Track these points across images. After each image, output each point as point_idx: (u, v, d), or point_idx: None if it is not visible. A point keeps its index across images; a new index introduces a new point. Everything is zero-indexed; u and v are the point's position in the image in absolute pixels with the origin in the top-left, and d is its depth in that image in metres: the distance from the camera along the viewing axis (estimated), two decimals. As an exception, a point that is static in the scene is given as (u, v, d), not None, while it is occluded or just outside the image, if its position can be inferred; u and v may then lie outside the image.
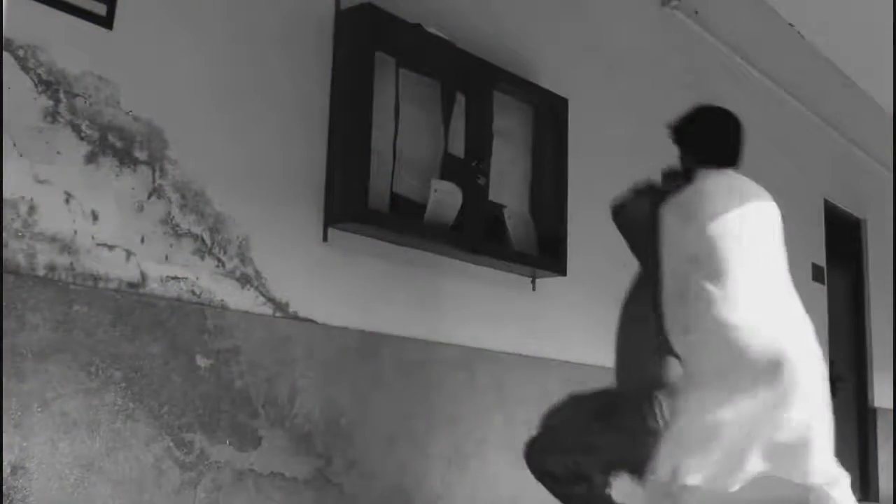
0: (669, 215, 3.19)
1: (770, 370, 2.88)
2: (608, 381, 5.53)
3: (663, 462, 2.94)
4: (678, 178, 3.37)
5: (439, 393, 4.56)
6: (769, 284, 3.12)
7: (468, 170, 4.62)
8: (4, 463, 3.01)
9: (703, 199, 3.19)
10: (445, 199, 4.48)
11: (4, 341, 3.02)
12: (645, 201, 3.39)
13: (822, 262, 8.37)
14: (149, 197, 3.52)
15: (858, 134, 9.30)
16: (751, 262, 3.10)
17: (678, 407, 3.03)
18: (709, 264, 3.04)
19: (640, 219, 3.35)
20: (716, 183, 3.27)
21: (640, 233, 3.35)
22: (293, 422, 3.89)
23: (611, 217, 3.58)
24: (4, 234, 3.08)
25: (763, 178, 7.64)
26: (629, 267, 5.86)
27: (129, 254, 3.43)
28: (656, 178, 3.84)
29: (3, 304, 3.01)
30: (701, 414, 2.91)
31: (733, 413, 2.86)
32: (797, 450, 2.90)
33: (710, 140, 3.36)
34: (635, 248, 3.42)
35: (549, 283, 5.19)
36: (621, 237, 3.64)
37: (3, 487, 2.99)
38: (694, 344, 3.01)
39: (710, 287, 3.00)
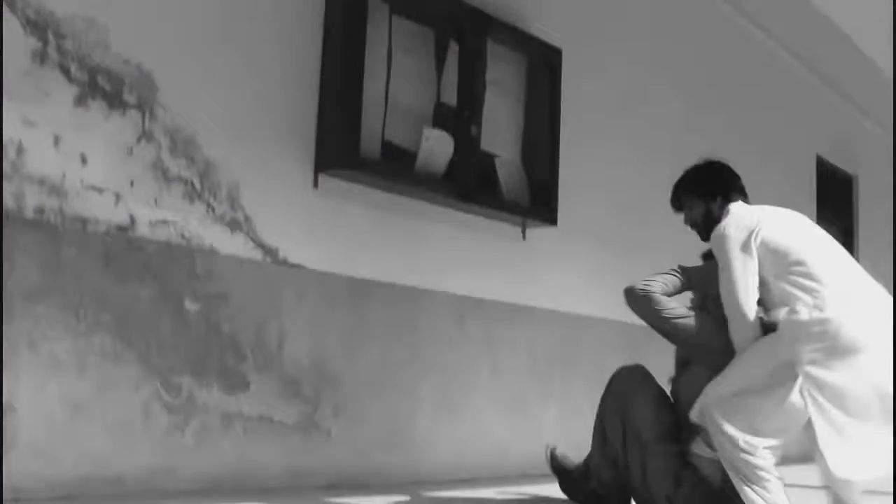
0: (732, 235, 3.27)
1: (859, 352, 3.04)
2: (597, 331, 5.56)
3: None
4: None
5: (428, 340, 4.56)
6: (846, 269, 3.23)
7: (460, 119, 4.58)
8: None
9: (762, 215, 3.32)
10: (437, 147, 4.45)
11: (-8, 282, 3.01)
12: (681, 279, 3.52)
13: (813, 218, 8.33)
14: (138, 141, 3.49)
15: (853, 91, 9.24)
16: (824, 253, 3.24)
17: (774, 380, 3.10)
18: (787, 262, 3.17)
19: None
20: (752, 206, 3.47)
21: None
22: (281, 367, 3.89)
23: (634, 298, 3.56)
24: (-8, 176, 3.05)
25: (757, 133, 7.61)
26: (619, 218, 5.86)
27: (118, 197, 3.41)
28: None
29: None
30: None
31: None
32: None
33: (732, 181, 3.56)
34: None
35: (540, 233, 5.17)
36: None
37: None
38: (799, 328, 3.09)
39: (800, 280, 3.13)
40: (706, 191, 3.53)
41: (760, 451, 3.06)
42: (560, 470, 3.79)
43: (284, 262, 3.94)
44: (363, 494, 3.83)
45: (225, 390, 3.68)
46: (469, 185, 4.56)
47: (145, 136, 3.50)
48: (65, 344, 3.22)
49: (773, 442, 3.08)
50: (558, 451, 3.83)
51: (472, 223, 4.81)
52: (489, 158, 4.82)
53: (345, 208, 4.21)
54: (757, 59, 7.62)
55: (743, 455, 3.06)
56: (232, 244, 3.76)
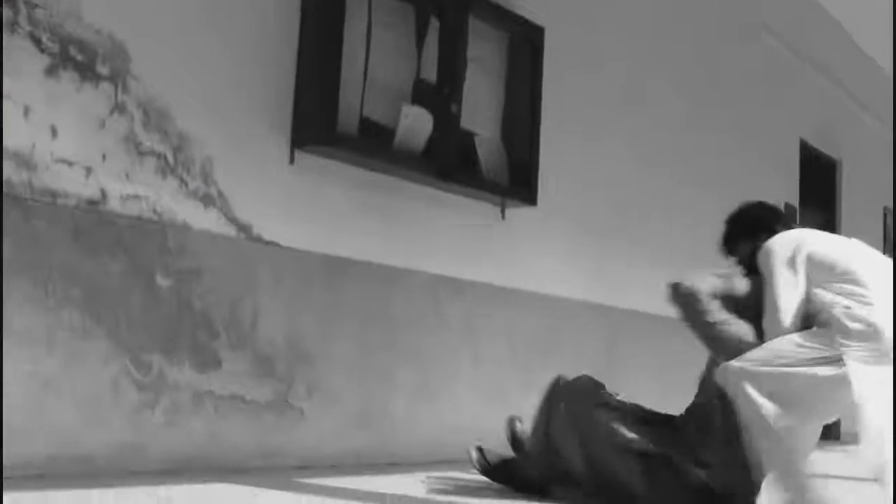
0: (777, 251, 3.31)
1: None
2: (577, 314, 5.57)
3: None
4: None
5: (404, 320, 4.56)
6: (888, 280, 3.29)
7: (440, 96, 4.56)
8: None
9: (807, 233, 3.41)
10: (416, 124, 4.43)
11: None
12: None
13: (796, 202, 8.38)
14: (110, 113, 3.46)
15: (841, 75, 9.25)
16: (868, 263, 3.29)
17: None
18: (834, 272, 3.21)
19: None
20: (799, 229, 3.54)
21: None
22: (255, 345, 3.88)
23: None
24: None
25: (741, 115, 7.62)
26: (602, 200, 5.86)
27: (88, 171, 3.38)
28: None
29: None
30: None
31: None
32: None
33: (775, 216, 3.62)
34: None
35: (519, 214, 5.17)
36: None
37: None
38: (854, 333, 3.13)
39: (847, 287, 3.17)
40: (751, 231, 3.57)
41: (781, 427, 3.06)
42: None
43: (259, 239, 3.93)
44: (336, 475, 3.83)
45: (196, 368, 3.67)
46: (448, 163, 4.55)
47: (118, 108, 3.48)
48: (34, 320, 3.20)
49: (790, 421, 3.08)
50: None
51: (450, 202, 4.80)
52: (469, 136, 4.81)
53: (321, 185, 4.19)
54: (744, 40, 7.62)
55: (764, 422, 3.06)
56: (205, 220, 3.74)
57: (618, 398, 3.50)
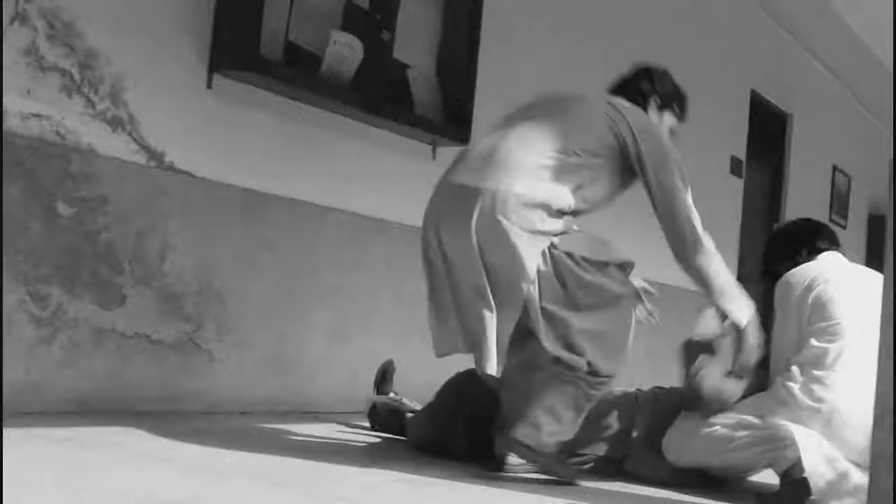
0: (793, 286, 3.43)
1: None
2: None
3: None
4: None
5: (325, 261, 4.57)
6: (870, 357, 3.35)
7: (372, 22, 4.54)
8: None
9: (826, 267, 3.49)
10: (345, 52, 4.41)
11: None
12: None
13: (742, 156, 8.52)
14: (10, 23, 3.38)
15: (797, 24, 9.36)
16: (860, 335, 3.30)
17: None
18: (823, 321, 3.31)
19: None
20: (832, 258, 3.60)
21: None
22: (162, 281, 3.87)
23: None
24: None
25: (689, 60, 7.67)
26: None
27: (-15, 85, 3.32)
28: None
29: None
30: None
31: None
32: None
33: (817, 232, 3.72)
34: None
35: (452, 153, 5.16)
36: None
37: None
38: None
39: (822, 348, 3.26)
40: (791, 249, 3.65)
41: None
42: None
43: (171, 168, 3.90)
44: (245, 420, 3.85)
45: (98, 303, 3.65)
46: (377, 95, 4.55)
47: (19, 17, 3.40)
48: (-80, 243, 3.16)
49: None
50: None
51: (378, 138, 4.80)
52: (401, 68, 4.80)
53: (241, 113, 4.17)
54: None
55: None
56: (113, 145, 3.70)
57: None
